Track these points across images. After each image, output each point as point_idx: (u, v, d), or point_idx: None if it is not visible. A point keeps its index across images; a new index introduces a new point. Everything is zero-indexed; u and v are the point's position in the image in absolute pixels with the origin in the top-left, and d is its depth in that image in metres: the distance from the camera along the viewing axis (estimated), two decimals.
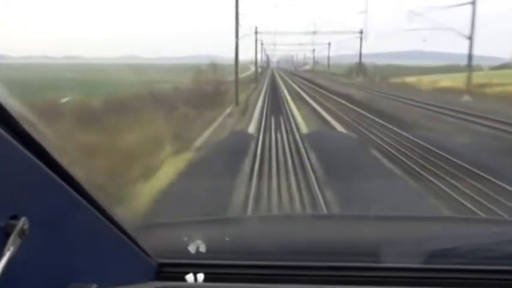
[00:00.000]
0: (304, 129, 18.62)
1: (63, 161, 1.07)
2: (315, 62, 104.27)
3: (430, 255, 1.52)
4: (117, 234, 1.30)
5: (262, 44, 77.67)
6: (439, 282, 1.43)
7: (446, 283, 1.43)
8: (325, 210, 7.96)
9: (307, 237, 1.77)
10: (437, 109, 23.54)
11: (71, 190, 1.10)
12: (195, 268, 1.48)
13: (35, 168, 1.00)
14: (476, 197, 8.77)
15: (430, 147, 12.88)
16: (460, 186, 9.39)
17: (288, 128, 18.55)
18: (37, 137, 1.00)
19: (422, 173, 10.70)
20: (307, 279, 1.46)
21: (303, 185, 9.77)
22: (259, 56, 74.59)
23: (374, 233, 1.81)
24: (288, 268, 1.50)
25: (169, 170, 10.44)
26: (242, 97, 30.28)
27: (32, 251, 1.00)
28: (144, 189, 8.96)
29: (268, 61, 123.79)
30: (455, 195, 8.92)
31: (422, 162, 11.54)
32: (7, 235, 0.92)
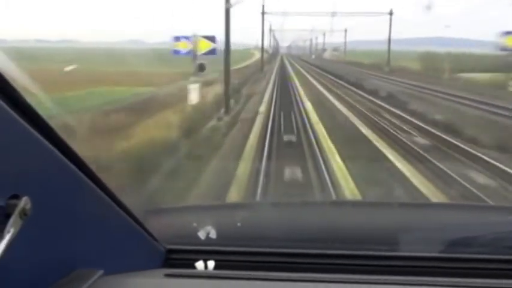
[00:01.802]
0: None
1: (70, 140, 1.05)
2: (335, 48, 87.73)
3: (448, 244, 1.51)
4: (125, 218, 1.29)
5: (270, 30, 67.91)
6: (459, 273, 1.41)
7: (466, 273, 1.41)
8: None
9: (322, 224, 1.77)
10: None
11: (77, 170, 1.08)
12: (205, 255, 1.48)
13: (39, 146, 0.98)
14: None
15: None
16: None
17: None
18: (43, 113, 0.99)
19: None
20: (322, 268, 1.45)
21: None
22: (266, 41, 62.38)
23: (391, 220, 1.81)
24: (303, 256, 1.50)
25: None
26: (234, 105, 19.90)
27: (34, 232, 0.98)
28: None
29: (277, 46, 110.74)
30: None
31: None
32: (8, 216, 0.89)
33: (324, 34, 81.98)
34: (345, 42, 74.21)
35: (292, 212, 1.97)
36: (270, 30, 66.73)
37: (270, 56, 77.13)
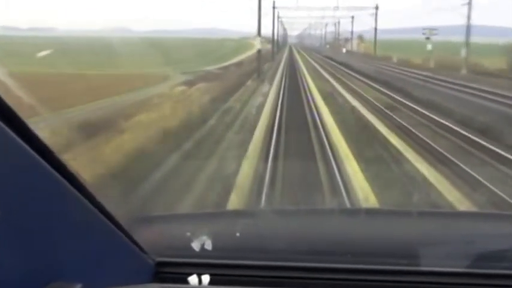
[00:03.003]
0: None
1: (48, 141, 1.03)
2: (359, 37, 73.89)
3: (476, 258, 1.46)
4: (109, 227, 1.25)
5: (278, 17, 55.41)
6: None
7: None
8: None
9: (332, 234, 1.73)
10: None
11: (56, 174, 1.05)
12: (200, 268, 1.44)
13: (13, 146, 0.96)
14: None
15: None
16: None
17: None
18: (19, 113, 0.97)
19: None
20: (332, 284, 1.41)
21: None
22: (270, 28, 50.39)
23: (410, 230, 1.76)
24: (310, 270, 1.45)
25: None
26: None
27: (3, 241, 0.97)
28: None
29: (285, 35, 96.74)
30: None
31: None
32: None
33: (352, 19, 66.08)
34: (376, 29, 54.90)
35: (298, 221, 1.92)
36: (275, 10, 50.46)
37: (276, 48, 58.87)
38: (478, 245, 1.55)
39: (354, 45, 74.08)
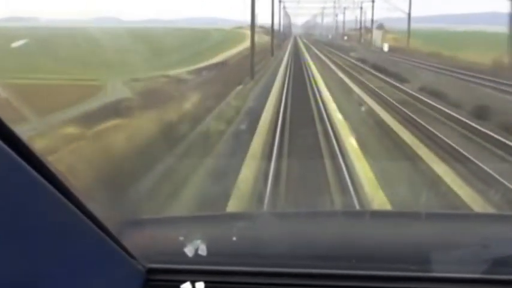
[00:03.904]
0: None
1: (29, 140, 1.02)
2: (379, 26, 59.27)
3: (492, 263, 1.44)
4: (95, 232, 1.22)
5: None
6: None
7: None
8: None
9: (336, 238, 1.70)
10: None
11: (36, 174, 1.03)
12: (194, 275, 1.42)
13: None
14: None
15: None
16: None
17: None
18: None
19: None
20: None
21: None
22: (260, 16, 41.39)
23: (420, 234, 1.74)
24: (312, 277, 1.43)
25: None
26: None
27: None
28: None
29: (288, 24, 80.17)
30: None
31: None
32: None
33: (372, 3, 52.52)
34: (409, 14, 43.76)
35: (298, 224, 1.90)
36: None
37: (276, 40, 46.12)
38: (495, 248, 1.52)
39: (376, 36, 56.55)
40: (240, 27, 47.28)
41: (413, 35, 47.48)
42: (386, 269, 1.43)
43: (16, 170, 1.00)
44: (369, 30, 60.81)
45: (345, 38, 68.16)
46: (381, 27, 58.82)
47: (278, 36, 51.91)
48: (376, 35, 57.49)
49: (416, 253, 1.53)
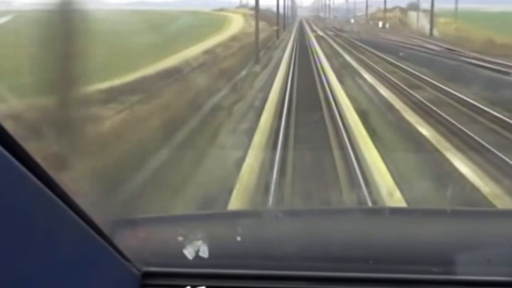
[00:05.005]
0: None
1: (18, 136, 1.01)
2: (411, 4, 48.68)
3: None
4: (87, 232, 1.20)
5: None
6: None
7: None
8: None
9: (351, 238, 1.67)
10: None
11: (24, 170, 1.01)
12: (194, 280, 1.40)
13: None
14: None
15: None
16: None
17: None
18: None
19: None
20: None
21: None
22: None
23: (444, 232, 1.70)
24: (324, 281, 1.41)
25: None
26: None
27: None
28: None
29: (293, 7, 65.86)
30: None
31: None
32: None
33: None
34: None
35: (310, 222, 1.86)
36: None
37: (271, 28, 35.49)
38: None
39: (411, 20, 44.82)
40: (222, 9, 38.78)
41: (455, 18, 40.64)
42: (407, 272, 1.41)
43: (4, 167, 0.99)
44: (404, 12, 48.39)
45: (370, 23, 54.67)
46: (414, 7, 45.98)
47: (274, 20, 38.56)
48: (412, 17, 44.47)
49: (439, 254, 1.50)
